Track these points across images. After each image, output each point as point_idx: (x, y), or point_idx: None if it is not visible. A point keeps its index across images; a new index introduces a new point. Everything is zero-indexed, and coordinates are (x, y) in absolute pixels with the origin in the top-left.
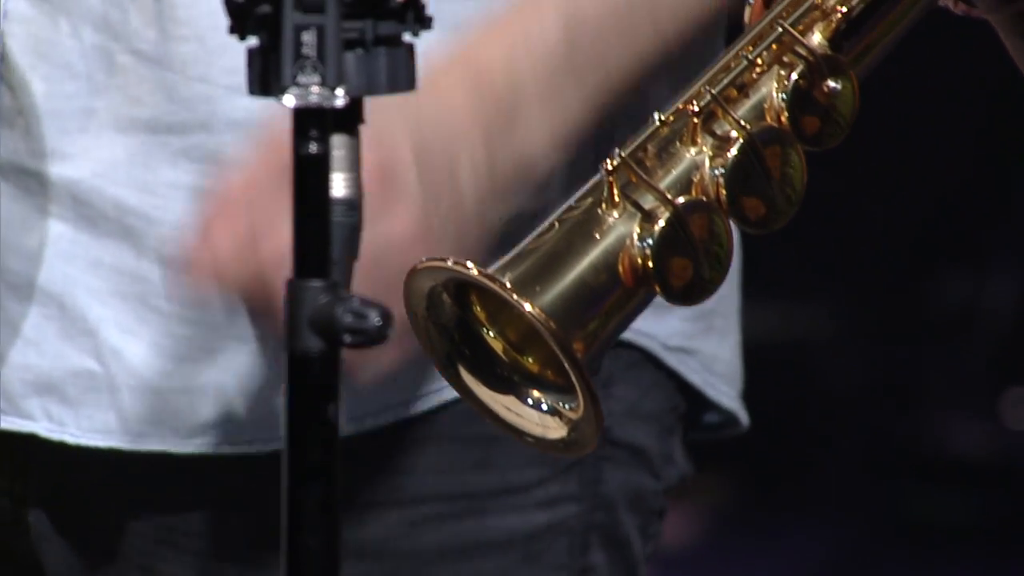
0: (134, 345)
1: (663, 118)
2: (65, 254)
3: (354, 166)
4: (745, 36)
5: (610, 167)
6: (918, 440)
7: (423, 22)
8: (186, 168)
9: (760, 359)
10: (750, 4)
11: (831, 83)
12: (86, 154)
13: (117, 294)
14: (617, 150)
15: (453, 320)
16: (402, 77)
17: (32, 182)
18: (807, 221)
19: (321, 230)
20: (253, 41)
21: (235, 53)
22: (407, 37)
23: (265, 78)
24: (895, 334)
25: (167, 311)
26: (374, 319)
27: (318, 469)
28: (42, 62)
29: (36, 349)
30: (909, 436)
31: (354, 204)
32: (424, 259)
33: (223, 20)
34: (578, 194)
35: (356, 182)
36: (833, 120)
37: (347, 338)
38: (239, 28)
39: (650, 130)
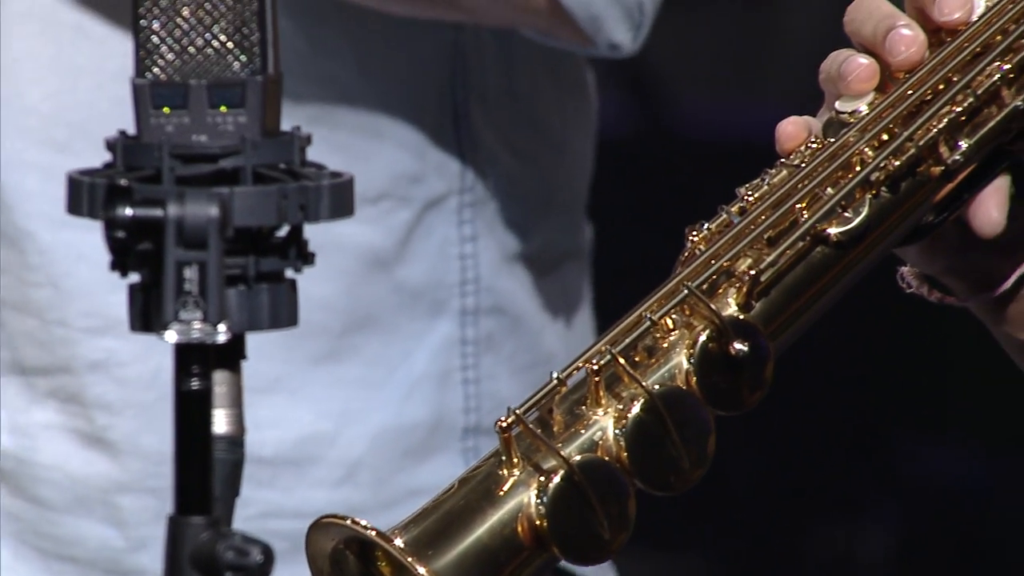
0: None
1: (560, 376)
2: None
3: (236, 402)
4: (652, 296)
5: (505, 424)
6: None
7: (305, 258)
8: (56, 408)
9: None
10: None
11: (739, 346)
12: None
13: None
14: (512, 408)
15: None
16: (284, 313)
17: None
18: None
19: (203, 466)
20: (134, 278)
21: (90, 296)
22: (289, 273)
23: (147, 314)
24: None
25: (43, 549)
26: (256, 556)
27: None
28: None
29: None
30: None
31: (236, 440)
32: (322, 517)
33: (76, 266)
34: (481, 457)
35: (238, 418)
36: (743, 383)
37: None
38: (120, 264)
39: (548, 388)
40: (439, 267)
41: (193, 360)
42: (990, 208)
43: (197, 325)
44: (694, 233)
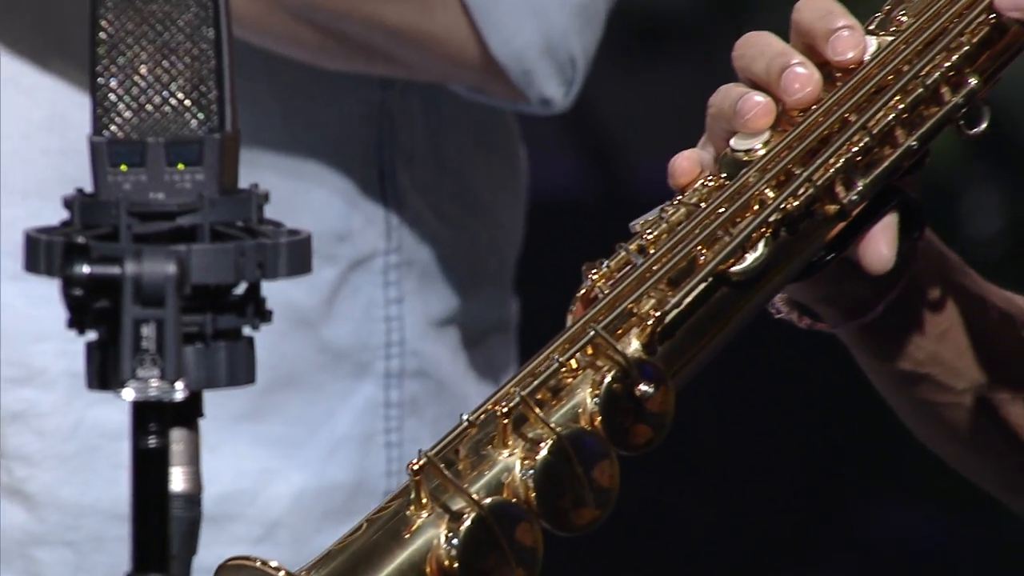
0: None
1: (471, 419)
2: None
3: (194, 460)
4: (558, 338)
5: (417, 467)
6: None
7: (263, 316)
8: None
9: None
10: (571, 311)
11: (644, 387)
12: None
13: None
14: (423, 451)
15: None
16: (242, 371)
17: None
18: (630, 529)
19: (160, 524)
20: (92, 335)
21: (11, 346)
22: (247, 331)
23: (104, 372)
24: None
25: None
26: None
27: None
28: None
29: None
30: None
31: (194, 498)
32: (230, 558)
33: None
34: (388, 497)
35: (196, 476)
36: (646, 424)
37: None
38: (78, 322)
39: (458, 430)
40: (364, 328)
41: (150, 418)
42: (880, 245)
43: (154, 383)
44: (593, 271)
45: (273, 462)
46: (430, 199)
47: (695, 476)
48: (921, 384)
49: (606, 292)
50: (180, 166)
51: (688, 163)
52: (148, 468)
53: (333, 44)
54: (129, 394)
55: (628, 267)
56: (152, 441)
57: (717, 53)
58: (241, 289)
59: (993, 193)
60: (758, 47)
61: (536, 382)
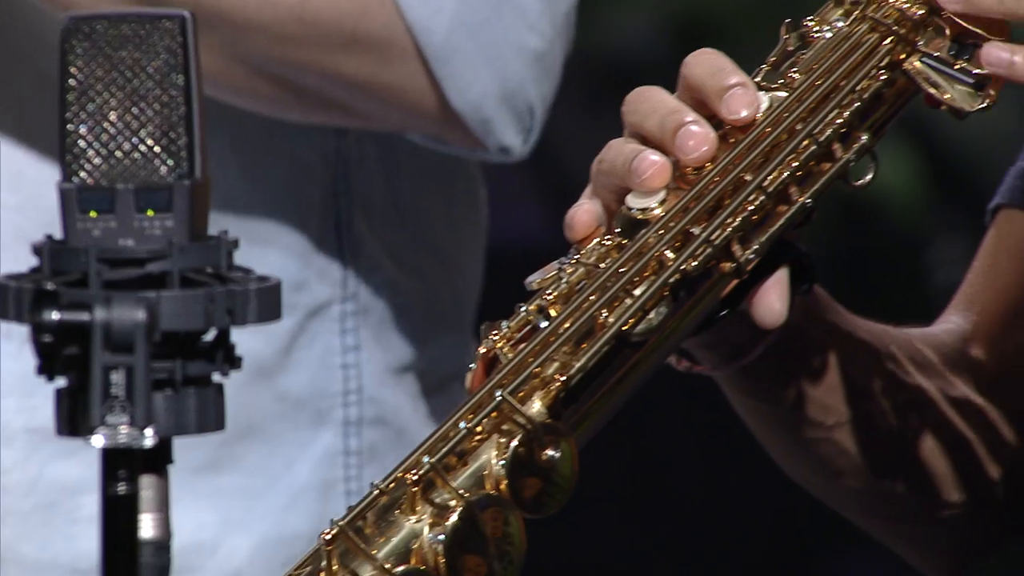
0: None
1: (381, 486)
2: None
3: (163, 506)
4: (465, 404)
5: (328, 536)
6: None
7: (232, 362)
8: None
9: None
10: (472, 368)
11: (550, 451)
12: None
13: None
14: (334, 519)
15: None
16: (211, 417)
17: None
18: None
19: (130, 571)
20: (61, 382)
21: None
22: (216, 377)
23: (73, 418)
24: None
25: None
26: None
27: None
28: None
29: None
30: None
31: (163, 545)
32: None
33: None
34: (297, 561)
35: (165, 522)
36: (552, 487)
37: None
38: (47, 368)
39: (368, 498)
40: (321, 376)
41: (120, 464)
42: (772, 300)
43: (124, 429)
44: (494, 332)
45: (233, 513)
46: (388, 246)
47: (667, 527)
48: (792, 422)
49: (509, 355)
50: (150, 212)
51: (588, 217)
52: (118, 515)
53: (291, 97)
54: (99, 440)
55: (528, 328)
56: (122, 488)
57: None
58: (211, 335)
59: (959, 242)
60: (650, 103)
61: (444, 448)
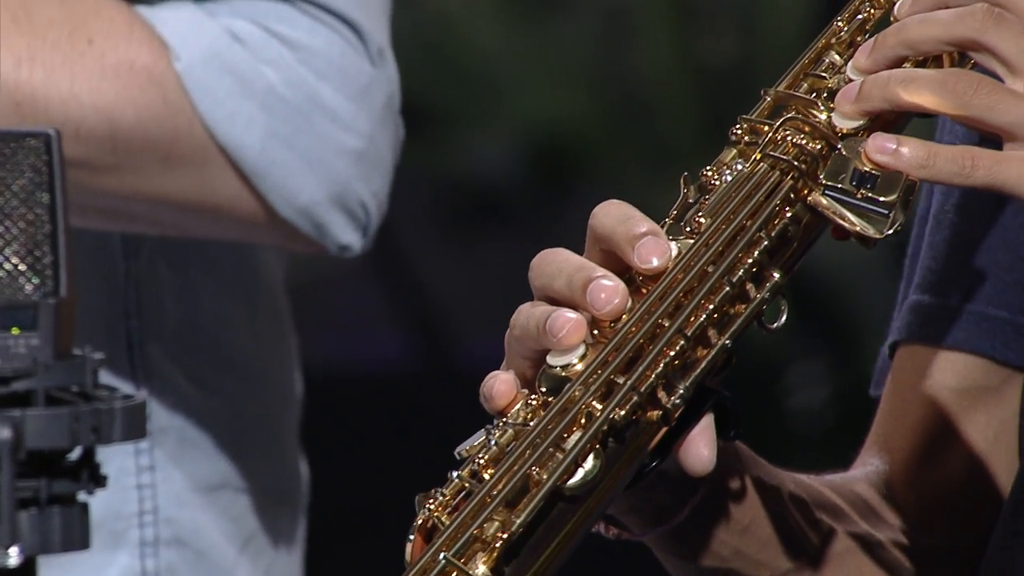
0: None
1: None
2: None
3: None
4: (409, 571)
5: None
6: None
7: (98, 481)
8: None
9: None
10: (411, 540)
11: None
12: None
13: None
14: None
15: None
16: (77, 536)
17: None
18: None
19: None
20: None
21: None
22: (82, 496)
23: None
24: None
25: None
26: None
27: None
28: None
29: None
30: None
31: None
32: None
33: None
34: None
35: None
36: None
37: None
38: None
39: None
40: (116, 497)
41: None
42: (700, 447)
43: None
44: (429, 501)
45: None
46: (185, 366)
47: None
48: None
49: (447, 521)
50: (15, 331)
51: (505, 386)
52: None
53: (125, 223)
54: None
55: (463, 493)
56: None
57: (544, 227)
58: (76, 454)
59: (817, 366)
60: (555, 264)
61: None
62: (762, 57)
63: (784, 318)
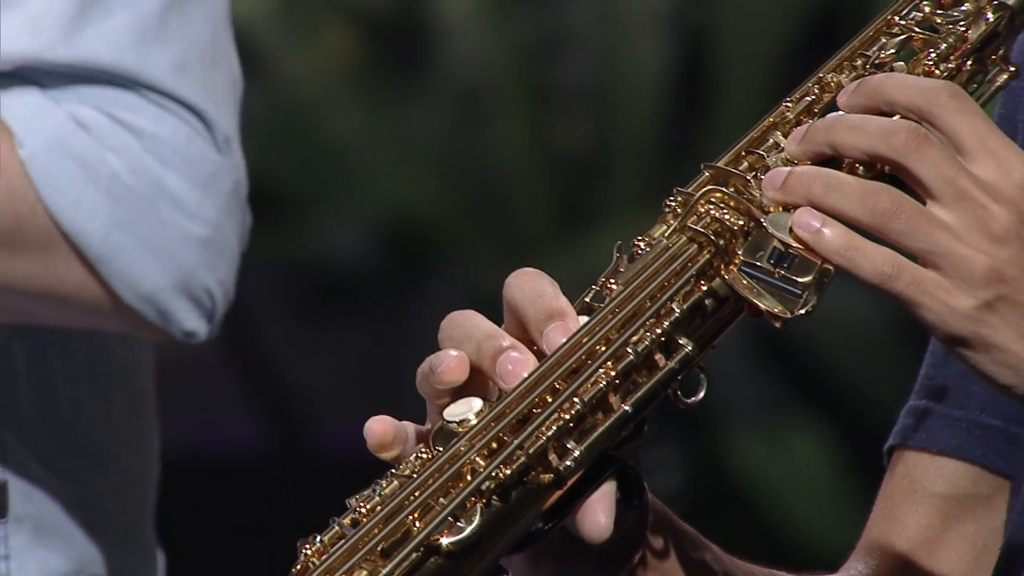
0: None
1: None
2: None
3: None
4: None
5: None
6: None
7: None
8: None
9: None
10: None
11: None
12: None
13: None
14: None
15: None
16: None
17: None
18: None
19: None
20: None
21: None
22: None
23: None
24: None
25: None
26: None
27: None
28: None
29: None
30: None
31: None
32: None
33: None
34: None
35: None
36: None
37: None
38: None
39: None
40: None
41: None
42: (597, 514)
43: None
44: (307, 546)
45: None
46: (40, 455)
47: None
48: None
49: (317, 564)
50: None
51: (381, 426)
52: None
53: None
54: None
55: (341, 540)
56: None
57: (397, 312)
58: None
59: (672, 450)
60: (464, 328)
61: None
62: (616, 143)
63: (703, 393)
